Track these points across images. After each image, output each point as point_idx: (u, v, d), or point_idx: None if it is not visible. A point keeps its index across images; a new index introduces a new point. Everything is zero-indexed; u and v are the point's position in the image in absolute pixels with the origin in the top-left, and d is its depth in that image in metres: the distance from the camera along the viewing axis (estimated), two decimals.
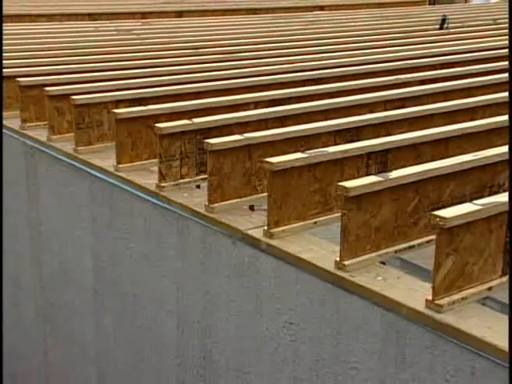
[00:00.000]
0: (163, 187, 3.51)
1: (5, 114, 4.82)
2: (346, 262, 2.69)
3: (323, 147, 3.29)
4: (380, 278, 2.65)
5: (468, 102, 4.17)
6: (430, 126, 3.69)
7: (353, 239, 2.70)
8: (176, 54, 5.76)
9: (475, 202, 2.54)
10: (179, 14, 9.99)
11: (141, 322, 3.86)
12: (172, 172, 3.53)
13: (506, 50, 6.03)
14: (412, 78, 4.92)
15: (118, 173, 3.78)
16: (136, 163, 3.84)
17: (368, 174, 3.08)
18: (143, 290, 3.79)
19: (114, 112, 3.84)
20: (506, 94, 4.41)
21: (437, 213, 2.42)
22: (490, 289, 2.58)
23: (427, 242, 2.92)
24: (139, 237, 3.73)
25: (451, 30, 7.40)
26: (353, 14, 9.84)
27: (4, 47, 5.87)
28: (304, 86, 4.62)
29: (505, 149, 3.16)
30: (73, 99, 4.10)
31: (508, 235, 2.60)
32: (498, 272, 2.61)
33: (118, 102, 4.14)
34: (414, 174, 2.85)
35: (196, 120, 3.62)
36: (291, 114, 3.85)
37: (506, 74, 5.01)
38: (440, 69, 5.29)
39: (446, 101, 4.25)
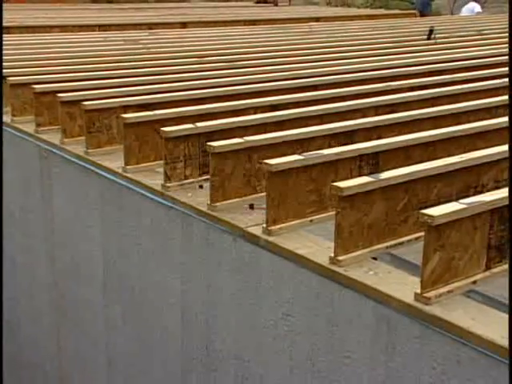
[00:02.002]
0: (168, 187, 3.50)
1: (20, 118, 4.83)
2: (340, 258, 2.69)
3: (318, 149, 3.29)
4: (372, 272, 2.65)
5: (454, 108, 4.17)
6: (419, 129, 3.69)
7: (346, 236, 2.70)
8: (180, 62, 5.75)
9: (461, 201, 2.54)
10: (183, 24, 9.99)
11: (147, 314, 3.86)
12: (176, 173, 3.53)
13: (490, 59, 6.04)
14: (402, 84, 4.92)
15: (125, 174, 3.78)
16: (143, 165, 3.83)
17: (360, 175, 3.07)
18: (150, 283, 3.79)
19: (123, 117, 3.84)
20: (490, 100, 4.42)
21: (425, 211, 2.42)
22: (474, 282, 2.58)
23: (416, 238, 2.91)
24: (146, 234, 3.73)
25: (438, 41, 7.39)
26: (346, 25, 9.84)
27: (20, 56, 5.89)
28: (301, 92, 4.62)
29: (488, 151, 3.16)
30: (84, 105, 4.09)
31: (493, 232, 2.60)
32: (482, 267, 2.61)
33: (126, 108, 4.13)
34: (404, 174, 2.84)
35: (199, 124, 3.61)
36: (289, 118, 3.85)
37: (490, 82, 5.01)
38: (428, 76, 5.28)
39: (433, 106, 4.24)
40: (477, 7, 15.92)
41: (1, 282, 3.73)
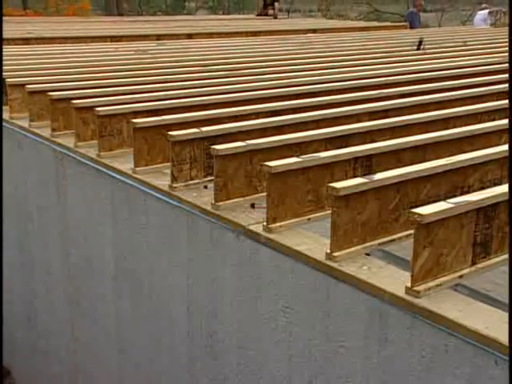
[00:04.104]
0: (175, 188, 3.50)
1: (37, 123, 4.83)
2: (336, 254, 2.68)
3: (316, 152, 3.28)
4: (365, 267, 2.64)
5: (442, 114, 4.16)
6: (409, 134, 3.68)
7: (341, 233, 2.69)
8: (186, 70, 5.74)
9: (449, 200, 2.53)
10: (189, 35, 9.99)
11: (155, 306, 3.85)
12: (183, 174, 3.52)
13: (475, 68, 6.03)
14: (393, 92, 4.91)
15: (135, 175, 3.77)
16: (151, 166, 3.83)
17: (355, 176, 3.06)
18: (158, 277, 3.78)
19: (132, 122, 3.83)
20: (475, 106, 4.41)
21: (415, 210, 2.41)
22: (461, 277, 2.58)
23: (407, 235, 2.90)
24: (154, 231, 3.72)
25: (427, 51, 7.38)
26: (341, 36, 9.83)
27: (38, 65, 5.88)
28: (299, 98, 4.61)
29: (474, 154, 3.16)
30: (96, 111, 4.09)
31: (478, 230, 2.59)
32: (468, 262, 2.60)
33: (136, 113, 4.12)
34: (396, 176, 2.83)
35: (204, 129, 3.61)
36: (288, 123, 3.84)
37: (475, 89, 5.00)
38: (418, 84, 5.27)
39: (422, 112, 4.23)
40: (486, 12, 15.67)
41: (1, 282, 3.70)
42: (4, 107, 5.22)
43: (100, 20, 14.90)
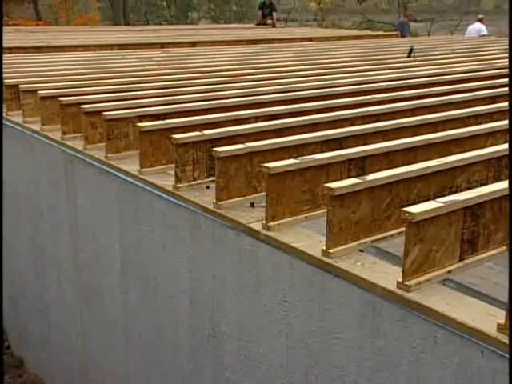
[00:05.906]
0: (178, 188, 3.49)
1: (48, 127, 4.82)
2: (331, 250, 2.68)
3: (312, 154, 3.28)
4: (359, 263, 2.64)
5: (431, 118, 4.16)
6: (400, 137, 3.68)
7: (336, 231, 2.69)
8: (189, 77, 5.74)
9: (438, 200, 2.53)
10: (192, 44, 9.98)
11: (160, 300, 3.85)
12: (186, 175, 3.52)
13: (463, 75, 6.03)
14: (385, 97, 4.90)
15: (141, 176, 3.77)
16: (156, 168, 3.82)
17: (349, 177, 3.06)
18: (162, 273, 3.78)
19: (138, 125, 3.83)
20: (463, 110, 4.41)
21: (406, 209, 2.41)
22: (449, 272, 2.58)
23: (398, 233, 2.90)
24: (159, 229, 3.72)
25: (417, 58, 7.38)
26: (336, 45, 9.82)
27: (48, 72, 5.88)
28: (296, 103, 4.61)
29: (462, 156, 3.16)
30: (104, 115, 4.08)
31: (465, 227, 2.59)
32: (456, 258, 2.60)
33: (142, 117, 4.12)
34: (388, 176, 2.83)
35: (206, 132, 3.60)
36: (285, 126, 3.84)
37: (463, 95, 5.00)
38: (408, 90, 5.27)
39: (413, 116, 4.23)
40: (483, 29, 15.24)
41: (1, 278, 3.64)
42: (17, 112, 5.22)
43: (108, 29, 14.89)
